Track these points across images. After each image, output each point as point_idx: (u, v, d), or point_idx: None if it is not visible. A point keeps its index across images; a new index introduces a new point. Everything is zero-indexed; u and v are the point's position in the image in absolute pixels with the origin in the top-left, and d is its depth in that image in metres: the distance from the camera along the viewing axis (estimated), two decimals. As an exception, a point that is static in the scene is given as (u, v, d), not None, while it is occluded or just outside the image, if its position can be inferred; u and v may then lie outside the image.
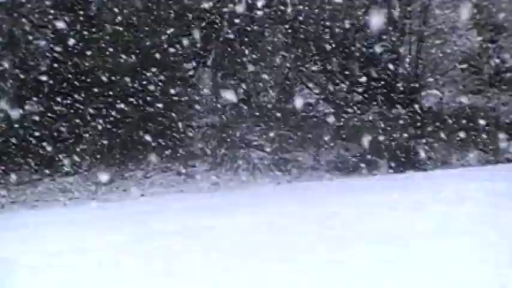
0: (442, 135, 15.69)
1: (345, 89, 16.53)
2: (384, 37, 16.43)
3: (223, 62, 16.11)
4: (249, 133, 16.09)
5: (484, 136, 15.75)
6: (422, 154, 15.31)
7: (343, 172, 15.44)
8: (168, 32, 15.25)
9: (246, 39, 16.07)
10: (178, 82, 15.42)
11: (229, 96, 15.37)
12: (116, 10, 15.10)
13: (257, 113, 16.01)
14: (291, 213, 8.95)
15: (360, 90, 16.60)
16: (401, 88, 16.39)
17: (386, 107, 15.93)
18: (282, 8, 16.22)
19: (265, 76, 16.18)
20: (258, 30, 16.24)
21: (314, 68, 16.74)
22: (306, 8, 16.49)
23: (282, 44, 16.40)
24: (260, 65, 16.12)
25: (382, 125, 15.47)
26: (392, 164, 15.17)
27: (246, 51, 15.96)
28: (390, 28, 16.49)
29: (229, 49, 16.00)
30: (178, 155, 15.36)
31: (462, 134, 15.64)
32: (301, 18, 16.48)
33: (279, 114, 15.97)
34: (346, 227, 7.74)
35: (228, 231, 8.01)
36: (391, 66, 16.46)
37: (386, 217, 8.23)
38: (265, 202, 10.78)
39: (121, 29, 15.06)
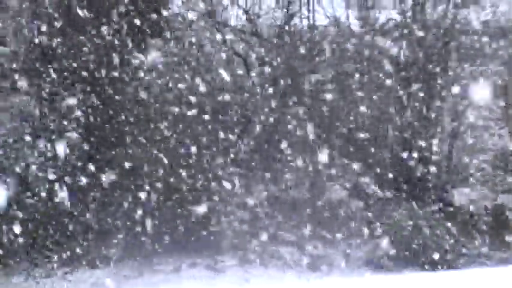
0: (473, 233, 15.57)
1: (375, 186, 16.54)
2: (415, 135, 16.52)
3: (253, 157, 16.30)
4: (279, 229, 16.10)
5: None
6: (453, 252, 15.16)
7: (373, 269, 15.32)
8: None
9: (277, 136, 16.28)
10: (208, 177, 15.62)
11: (259, 191, 15.47)
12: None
13: (287, 209, 16.05)
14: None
15: (391, 187, 16.59)
16: (432, 186, 16.37)
17: (417, 204, 15.86)
18: (315, 104, 16.45)
19: (295, 173, 16.29)
20: (290, 127, 16.45)
21: (345, 164, 16.81)
22: (340, 104, 16.70)
23: (314, 140, 16.55)
24: (289, 161, 16.27)
25: (413, 222, 15.38)
26: (423, 262, 15.03)
27: (277, 148, 16.16)
28: (422, 126, 16.58)
29: (260, 145, 16.20)
30: (208, 249, 15.41)
31: (493, 233, 15.51)
32: (334, 115, 16.67)
33: (308, 210, 15.98)
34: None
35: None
36: (422, 164, 16.47)
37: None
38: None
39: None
